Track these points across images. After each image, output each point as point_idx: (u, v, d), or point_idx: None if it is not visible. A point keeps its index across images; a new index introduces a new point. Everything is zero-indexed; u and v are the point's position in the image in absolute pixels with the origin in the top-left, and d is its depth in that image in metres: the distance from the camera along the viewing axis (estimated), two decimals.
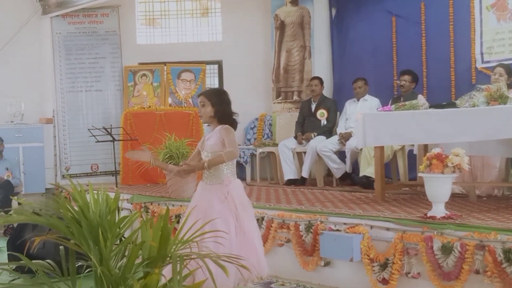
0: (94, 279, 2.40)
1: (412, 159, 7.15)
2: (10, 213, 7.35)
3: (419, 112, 5.62)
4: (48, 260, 2.55)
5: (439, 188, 4.59)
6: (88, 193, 2.53)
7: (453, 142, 5.15)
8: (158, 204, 6.75)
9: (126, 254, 2.47)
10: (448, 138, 5.33)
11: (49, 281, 2.41)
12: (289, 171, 8.10)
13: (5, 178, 8.51)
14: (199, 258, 2.45)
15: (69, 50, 9.90)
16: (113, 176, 8.43)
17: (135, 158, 4.50)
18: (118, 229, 2.44)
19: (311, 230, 5.05)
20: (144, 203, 6.90)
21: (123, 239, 2.55)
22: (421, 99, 6.67)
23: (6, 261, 5.46)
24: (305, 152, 8.01)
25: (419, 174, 4.73)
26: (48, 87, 9.93)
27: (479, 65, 7.43)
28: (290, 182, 7.98)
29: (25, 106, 9.58)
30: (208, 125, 4.33)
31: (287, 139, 8.32)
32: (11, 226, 8.06)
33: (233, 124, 4.17)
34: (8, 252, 5.75)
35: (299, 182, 7.95)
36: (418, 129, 5.53)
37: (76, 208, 2.42)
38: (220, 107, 4.15)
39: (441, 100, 6.17)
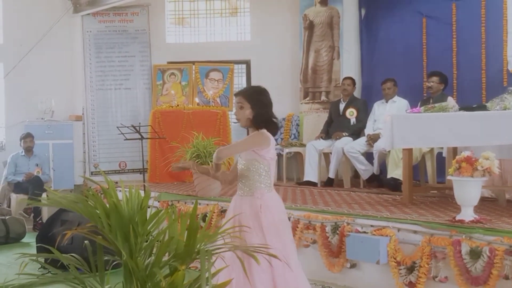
0: (123, 275, 2.42)
1: (441, 161, 7.07)
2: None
3: (449, 114, 5.56)
4: (74, 254, 2.57)
5: (468, 191, 4.53)
6: (119, 189, 2.56)
7: (483, 145, 5.09)
8: (185, 203, 6.79)
9: (154, 251, 2.49)
10: (478, 141, 5.28)
11: (79, 275, 2.44)
12: (309, 173, 8.08)
13: (35, 174, 8.64)
14: (232, 251, 2.44)
15: (99, 48, 10.02)
16: (140, 174, 8.49)
17: (179, 169, 4.14)
18: (148, 226, 2.46)
19: (338, 232, 5.03)
20: (171, 201, 6.95)
21: (150, 237, 2.57)
22: (451, 101, 6.62)
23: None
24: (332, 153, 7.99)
25: (448, 177, 4.67)
26: (78, 84, 10.07)
27: (511, 67, 7.32)
28: (307, 183, 7.97)
29: (56, 103, 9.72)
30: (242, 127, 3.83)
31: (316, 140, 8.29)
32: (40, 221, 8.20)
33: (272, 129, 3.61)
34: (38, 245, 5.84)
35: (327, 183, 7.95)
36: (447, 131, 5.47)
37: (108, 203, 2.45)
38: (260, 110, 3.57)
39: (472, 103, 6.10)
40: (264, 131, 3.56)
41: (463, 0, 7.98)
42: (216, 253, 2.44)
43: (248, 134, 3.74)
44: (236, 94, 3.70)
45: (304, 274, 3.61)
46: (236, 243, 2.73)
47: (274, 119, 3.64)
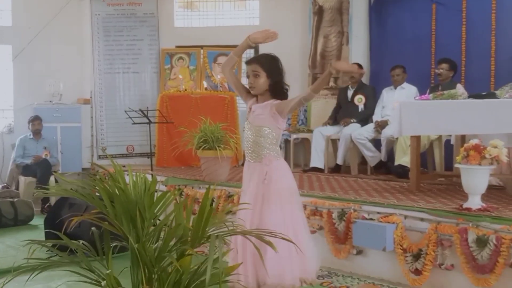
0: (131, 259, 2.43)
1: (449, 149, 7.05)
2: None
3: (458, 102, 5.53)
4: (82, 241, 2.59)
5: (475, 179, 4.51)
6: (126, 174, 2.56)
7: (492, 133, 5.07)
8: (192, 187, 6.81)
9: (161, 237, 2.50)
10: (487, 129, 5.24)
11: (87, 260, 2.45)
12: (316, 159, 8.07)
13: (43, 157, 8.67)
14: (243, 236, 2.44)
15: (108, 32, 10.00)
16: (148, 158, 8.52)
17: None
18: (155, 211, 2.47)
19: (344, 218, 5.03)
20: (178, 185, 6.97)
21: (157, 221, 2.58)
22: (460, 88, 6.59)
23: (43, 238, 5.58)
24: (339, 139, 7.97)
25: (456, 165, 4.65)
26: (87, 68, 10.07)
27: None
28: (314, 170, 7.98)
29: (64, 86, 9.74)
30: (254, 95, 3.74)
31: (323, 127, 8.27)
32: (49, 204, 8.25)
33: (286, 98, 3.66)
34: (46, 230, 5.87)
35: (334, 170, 7.95)
36: (456, 119, 5.43)
37: (115, 188, 2.46)
38: (276, 78, 3.61)
39: (480, 90, 6.05)
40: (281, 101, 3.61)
41: None
42: (226, 235, 2.44)
43: (257, 101, 3.71)
44: (250, 62, 3.69)
45: (312, 245, 3.64)
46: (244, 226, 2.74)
47: (287, 88, 3.67)
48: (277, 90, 3.61)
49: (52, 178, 8.37)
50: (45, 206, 8.39)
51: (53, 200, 8.01)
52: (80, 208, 5.63)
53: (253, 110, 3.69)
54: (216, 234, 2.32)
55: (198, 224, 2.40)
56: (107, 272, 2.38)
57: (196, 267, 2.47)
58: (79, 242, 2.57)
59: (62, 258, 2.57)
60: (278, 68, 3.64)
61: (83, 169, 9.71)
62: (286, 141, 9.02)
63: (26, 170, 8.61)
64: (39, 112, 9.17)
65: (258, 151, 3.61)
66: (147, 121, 8.15)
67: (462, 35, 7.94)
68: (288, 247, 2.88)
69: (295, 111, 9.42)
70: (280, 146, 9.03)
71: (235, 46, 9.90)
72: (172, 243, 2.44)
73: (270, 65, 3.63)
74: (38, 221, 7.39)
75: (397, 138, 7.01)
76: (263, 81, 3.59)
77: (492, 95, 5.50)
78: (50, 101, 9.66)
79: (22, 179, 8.53)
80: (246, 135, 3.71)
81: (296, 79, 9.57)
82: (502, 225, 4.09)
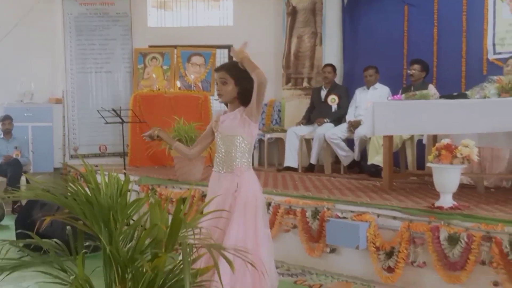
0: (103, 260, 2.41)
1: (421, 148, 7.13)
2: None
3: (430, 102, 5.59)
4: (55, 240, 2.55)
5: (447, 178, 4.57)
6: (98, 174, 2.54)
7: (463, 133, 5.14)
8: (166, 187, 6.78)
9: (135, 237, 2.48)
10: (458, 129, 5.30)
11: (59, 260, 2.42)
12: (290, 158, 8.11)
13: (14, 156, 8.56)
14: (207, 249, 2.41)
15: (80, 31, 9.93)
16: (121, 157, 8.46)
17: (149, 138, 3.87)
18: (128, 212, 2.44)
19: (318, 217, 5.06)
20: (152, 185, 6.94)
21: (131, 222, 2.56)
22: (432, 89, 6.66)
23: (14, 238, 5.50)
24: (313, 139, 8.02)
25: (428, 164, 4.70)
26: (59, 67, 9.98)
27: (491, 56, 7.37)
28: (288, 169, 8.01)
29: (35, 86, 9.63)
30: (222, 103, 3.64)
31: (297, 126, 8.31)
32: (20, 204, 8.13)
33: None
34: (18, 231, 5.79)
35: (308, 169, 7.98)
36: (428, 119, 5.49)
37: (87, 189, 2.43)
38: (245, 85, 3.44)
39: (451, 91, 6.13)
40: None
41: None
42: (194, 247, 2.42)
43: (228, 109, 3.61)
44: (218, 69, 3.57)
45: (273, 262, 3.50)
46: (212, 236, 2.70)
47: None
48: (246, 97, 3.45)
49: (23, 178, 8.27)
50: (16, 206, 8.26)
51: (24, 200, 7.90)
52: (52, 208, 5.56)
53: (222, 121, 3.55)
54: (187, 243, 2.30)
55: (171, 232, 2.37)
56: (76, 273, 2.35)
57: (171, 267, 2.45)
58: (52, 240, 2.54)
59: (33, 258, 2.53)
60: (247, 75, 3.43)
61: (55, 169, 9.60)
62: (260, 141, 9.03)
63: None
64: (10, 111, 9.06)
65: (230, 162, 3.47)
66: (120, 120, 8.09)
67: (434, 36, 8.03)
68: (242, 263, 2.76)
69: (269, 111, 9.45)
70: (254, 146, 9.08)
71: (208, 46, 9.94)
72: (146, 241, 2.42)
73: (238, 72, 3.47)
74: (9, 221, 7.29)
75: (370, 138, 7.07)
76: (231, 88, 3.47)
77: (463, 96, 5.57)
78: (21, 101, 9.55)
79: None
80: (217, 146, 3.56)
81: (270, 79, 9.48)
82: (473, 223, 4.16)
